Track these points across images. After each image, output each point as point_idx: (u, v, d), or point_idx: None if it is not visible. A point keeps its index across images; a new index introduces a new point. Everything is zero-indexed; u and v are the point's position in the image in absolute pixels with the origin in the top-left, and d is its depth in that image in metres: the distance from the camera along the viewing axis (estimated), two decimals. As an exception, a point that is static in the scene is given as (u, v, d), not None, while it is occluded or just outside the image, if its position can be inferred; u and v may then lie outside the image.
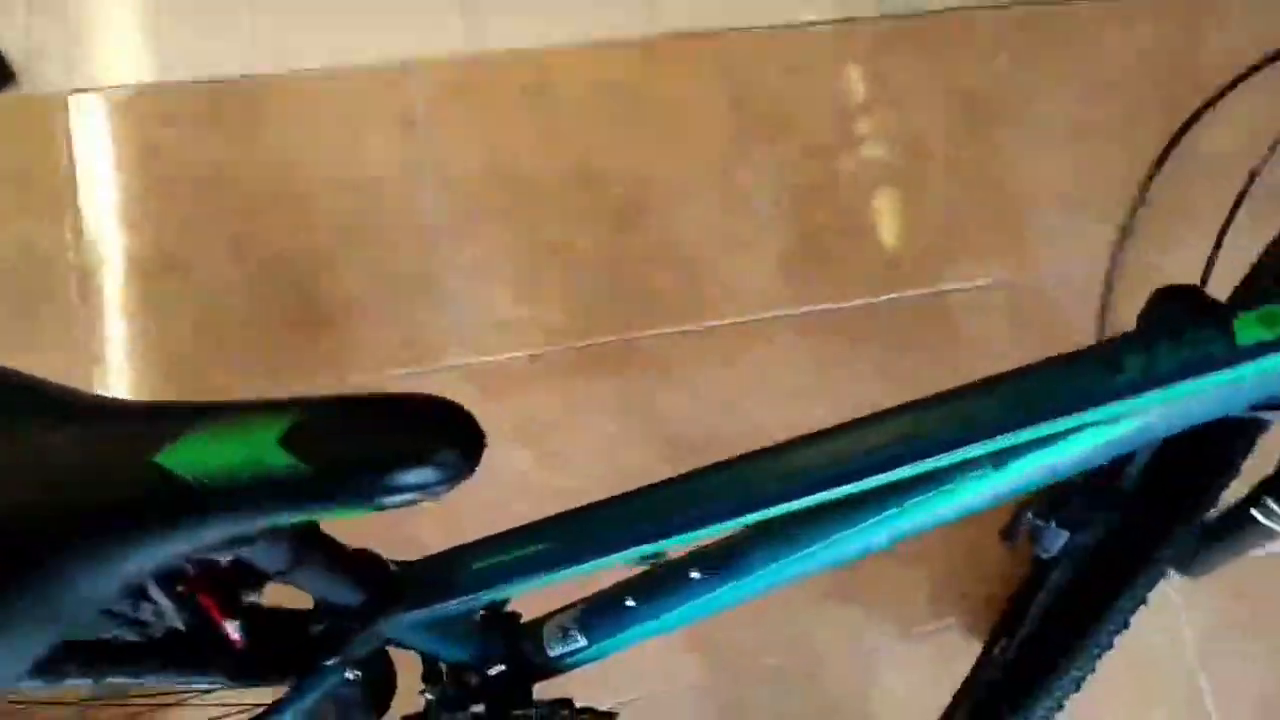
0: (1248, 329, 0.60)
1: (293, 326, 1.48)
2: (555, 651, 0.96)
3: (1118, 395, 0.62)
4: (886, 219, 1.69)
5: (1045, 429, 0.65)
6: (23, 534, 0.52)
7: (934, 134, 1.73)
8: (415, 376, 1.48)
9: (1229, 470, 0.92)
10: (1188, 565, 1.02)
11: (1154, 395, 0.62)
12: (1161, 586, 1.08)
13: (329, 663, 0.75)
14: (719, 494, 0.72)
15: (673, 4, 1.75)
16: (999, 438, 0.65)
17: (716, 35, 1.73)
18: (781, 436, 0.71)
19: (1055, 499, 1.03)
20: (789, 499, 0.70)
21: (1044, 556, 1.06)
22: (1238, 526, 0.89)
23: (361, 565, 0.76)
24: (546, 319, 1.54)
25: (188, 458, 0.53)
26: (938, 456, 0.66)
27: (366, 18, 1.64)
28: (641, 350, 1.56)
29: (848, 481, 0.67)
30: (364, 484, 0.56)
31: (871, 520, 0.77)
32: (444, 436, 0.58)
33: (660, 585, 0.90)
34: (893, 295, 1.63)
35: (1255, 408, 0.68)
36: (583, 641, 0.95)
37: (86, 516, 0.52)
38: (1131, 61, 1.79)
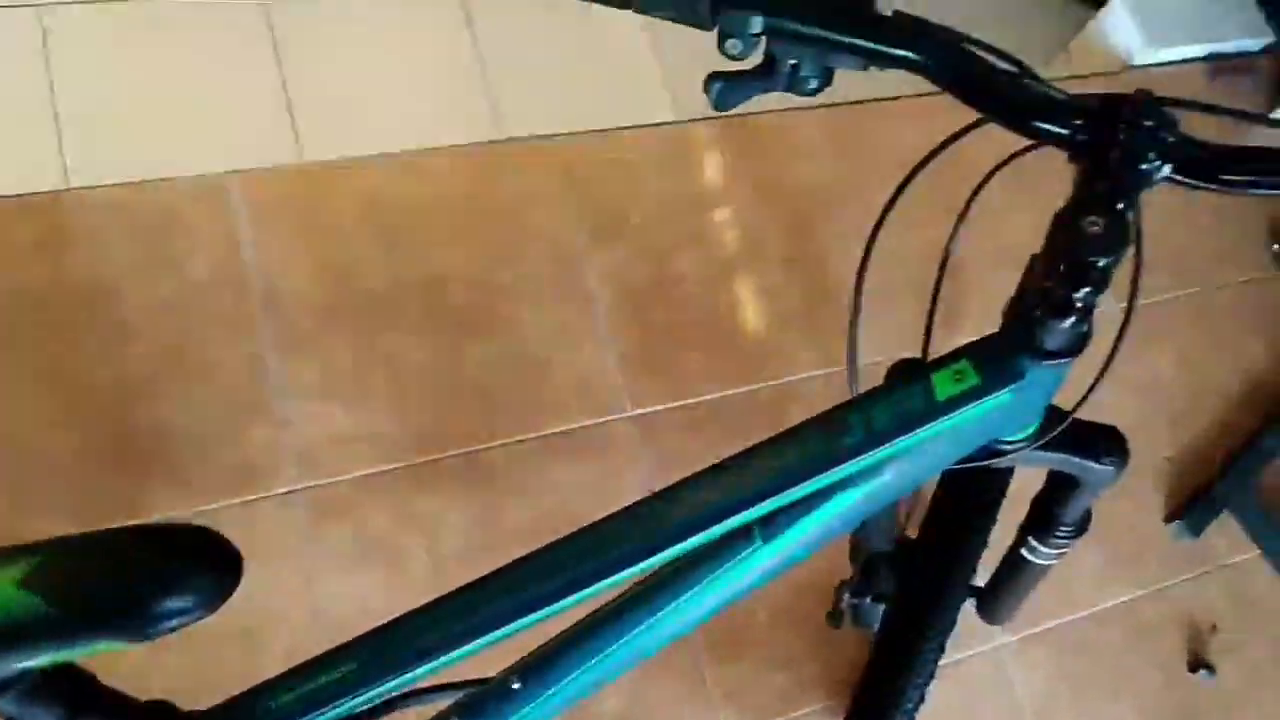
0: (943, 385, 0.63)
1: (111, 463, 1.40)
2: None
3: (848, 456, 0.65)
4: (726, 315, 1.70)
5: (790, 496, 0.67)
6: None
7: (769, 230, 1.76)
8: (245, 506, 1.41)
9: (986, 519, 0.95)
10: (990, 613, 1.05)
11: (880, 452, 0.65)
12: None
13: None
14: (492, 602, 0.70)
15: (516, 110, 1.77)
16: (746, 512, 0.67)
17: (558, 140, 1.75)
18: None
19: (866, 572, 1.04)
20: (554, 600, 0.68)
21: (871, 632, 1.06)
22: (1014, 569, 0.93)
23: (148, 715, 0.70)
24: (384, 434, 1.50)
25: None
26: (688, 540, 0.67)
27: (185, 129, 1.61)
28: (483, 461, 1.52)
29: (599, 580, 0.66)
30: (110, 617, 0.57)
31: (666, 609, 0.76)
32: (194, 563, 0.59)
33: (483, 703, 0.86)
34: (734, 390, 1.63)
35: (981, 454, 0.71)
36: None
37: None
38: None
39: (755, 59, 0.62)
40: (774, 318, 1.70)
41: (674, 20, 0.61)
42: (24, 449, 1.38)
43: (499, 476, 1.51)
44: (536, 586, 0.70)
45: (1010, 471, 0.96)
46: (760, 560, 0.72)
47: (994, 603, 1.06)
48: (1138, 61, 2.22)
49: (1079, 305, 0.54)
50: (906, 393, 0.65)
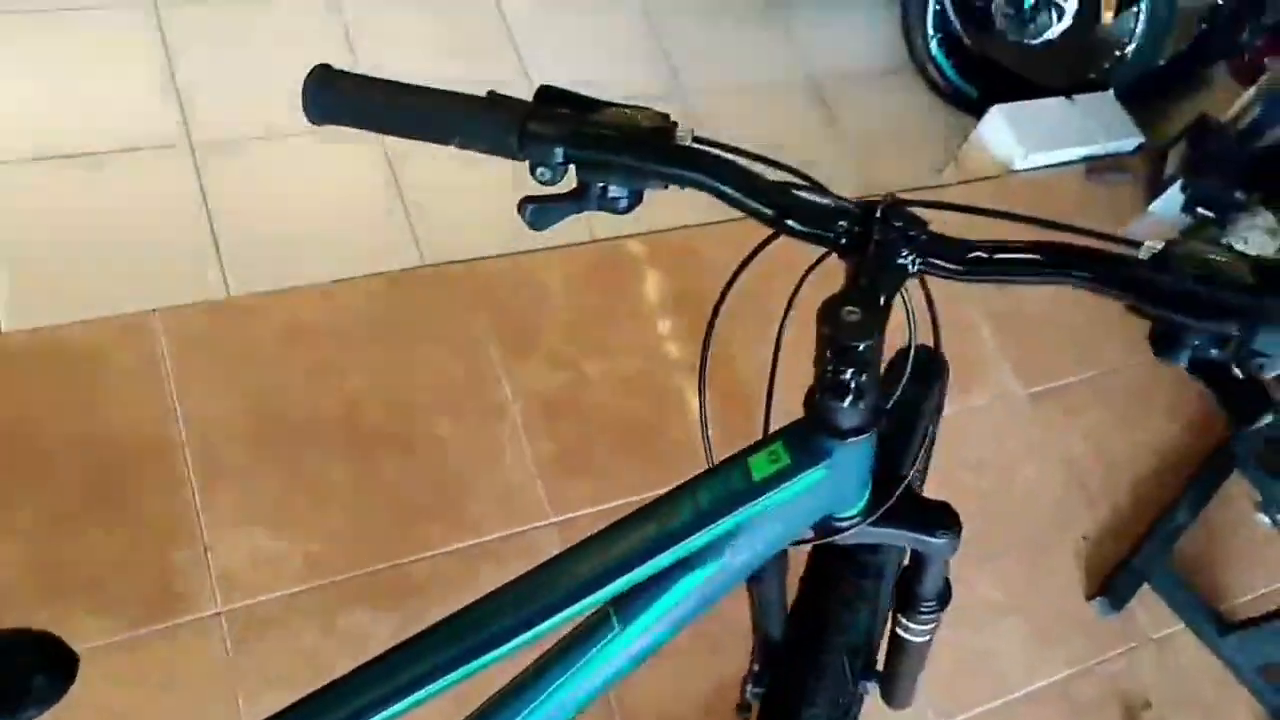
0: (759, 467, 0.68)
1: (33, 597, 1.42)
2: None
3: (681, 536, 0.69)
4: (640, 419, 1.76)
5: (634, 577, 0.71)
6: None
7: (677, 339, 1.85)
8: (168, 630, 1.42)
9: (858, 598, 0.99)
10: (890, 696, 1.08)
11: (709, 532, 0.69)
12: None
13: None
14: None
15: (430, 238, 1.86)
16: (597, 593, 0.70)
17: (472, 263, 1.83)
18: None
19: (761, 661, 1.07)
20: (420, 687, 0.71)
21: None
22: (896, 649, 0.96)
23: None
24: (309, 553, 1.52)
25: None
26: (549, 620, 0.70)
27: (106, 269, 1.68)
28: (409, 574, 1.54)
29: (464, 664, 0.69)
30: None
31: (538, 702, 0.78)
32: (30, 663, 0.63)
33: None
34: (652, 491, 1.66)
35: (821, 531, 0.76)
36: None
37: None
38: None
39: (569, 184, 0.69)
40: (685, 418, 1.76)
41: (489, 153, 0.68)
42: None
43: (425, 588, 1.53)
44: (404, 673, 0.72)
45: (879, 550, 1.00)
46: (621, 645, 0.75)
47: (891, 685, 1.08)
48: (1018, 166, 2.35)
49: (851, 386, 0.60)
50: (727, 475, 0.70)
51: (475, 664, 0.72)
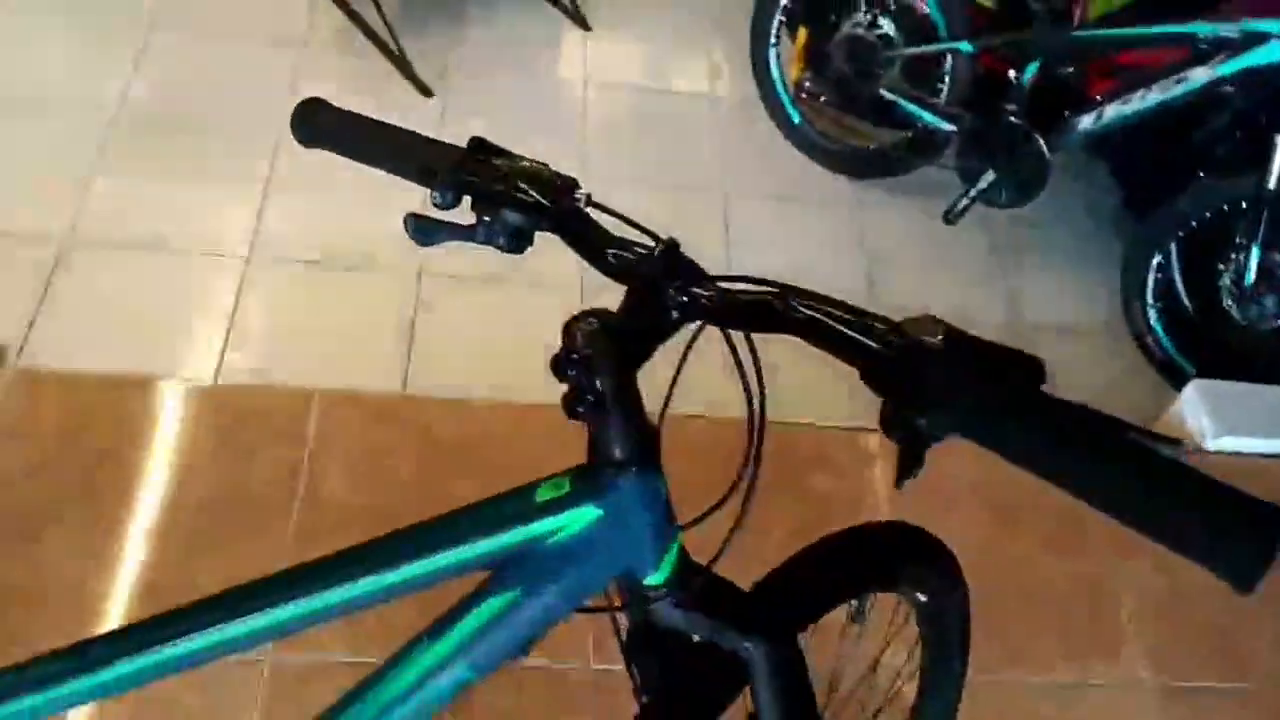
0: (544, 492, 0.73)
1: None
2: None
3: (460, 540, 0.74)
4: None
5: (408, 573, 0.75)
6: None
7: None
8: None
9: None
10: None
11: (492, 543, 0.74)
12: None
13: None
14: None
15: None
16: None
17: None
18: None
19: None
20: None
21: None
22: None
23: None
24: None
25: None
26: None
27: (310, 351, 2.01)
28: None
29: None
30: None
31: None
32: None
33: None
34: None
35: (630, 600, 0.76)
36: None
37: None
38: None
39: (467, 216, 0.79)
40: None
41: (412, 179, 0.80)
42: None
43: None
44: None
45: (736, 664, 0.92)
46: (429, 661, 0.78)
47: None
48: (1209, 447, 2.17)
49: (590, 400, 0.65)
50: (515, 495, 0.74)
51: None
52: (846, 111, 2.78)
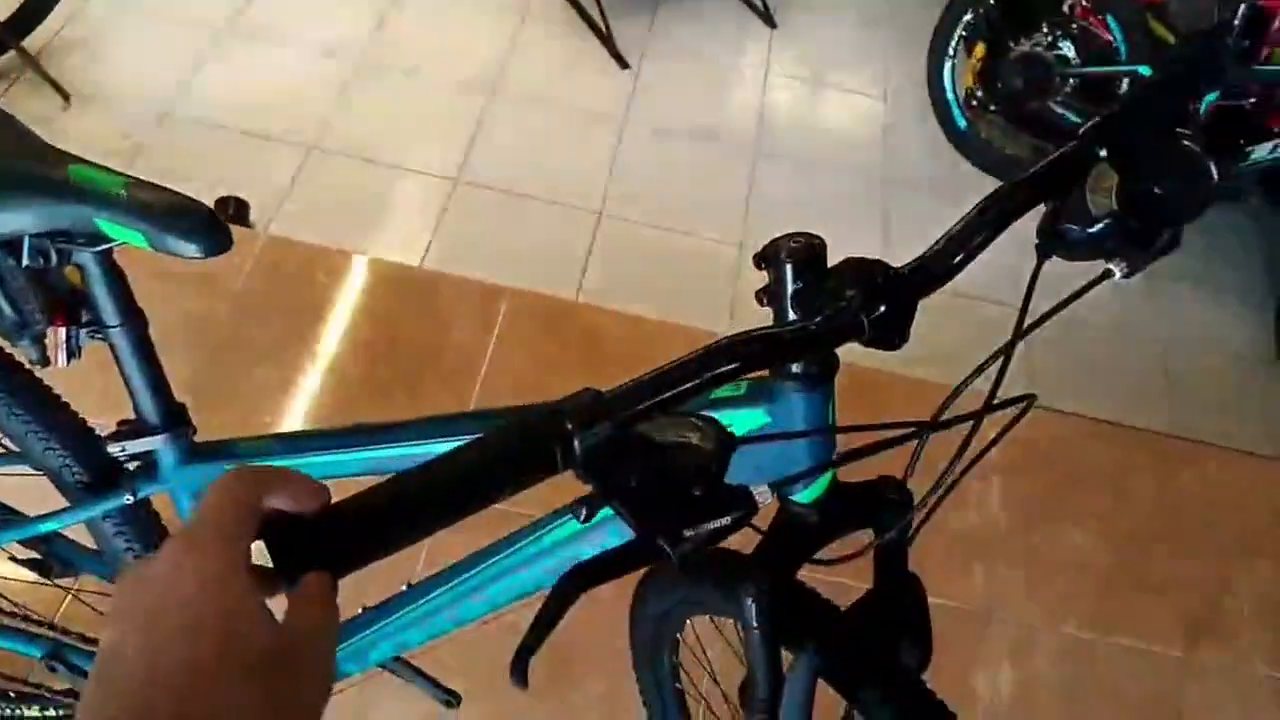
0: (721, 391, 0.76)
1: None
2: None
3: None
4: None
5: None
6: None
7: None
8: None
9: None
10: None
11: None
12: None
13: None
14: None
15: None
16: None
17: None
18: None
19: None
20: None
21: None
22: None
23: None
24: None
25: (82, 173, 0.82)
26: None
27: (504, 253, 2.12)
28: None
29: None
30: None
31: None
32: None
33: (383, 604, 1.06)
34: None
35: None
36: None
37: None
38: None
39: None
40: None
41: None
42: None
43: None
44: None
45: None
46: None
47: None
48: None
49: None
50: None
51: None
52: (1011, 129, 2.77)
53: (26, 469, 1.04)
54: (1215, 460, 2.21)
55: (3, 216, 0.81)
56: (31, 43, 2.40)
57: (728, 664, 1.27)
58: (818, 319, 0.67)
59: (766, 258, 0.72)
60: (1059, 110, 2.62)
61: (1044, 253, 0.79)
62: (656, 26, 2.97)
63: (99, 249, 0.85)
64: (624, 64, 2.82)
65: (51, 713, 1.36)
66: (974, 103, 2.75)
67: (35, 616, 1.23)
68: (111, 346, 0.91)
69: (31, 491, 1.05)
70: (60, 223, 0.81)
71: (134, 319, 0.91)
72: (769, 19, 3.06)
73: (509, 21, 2.86)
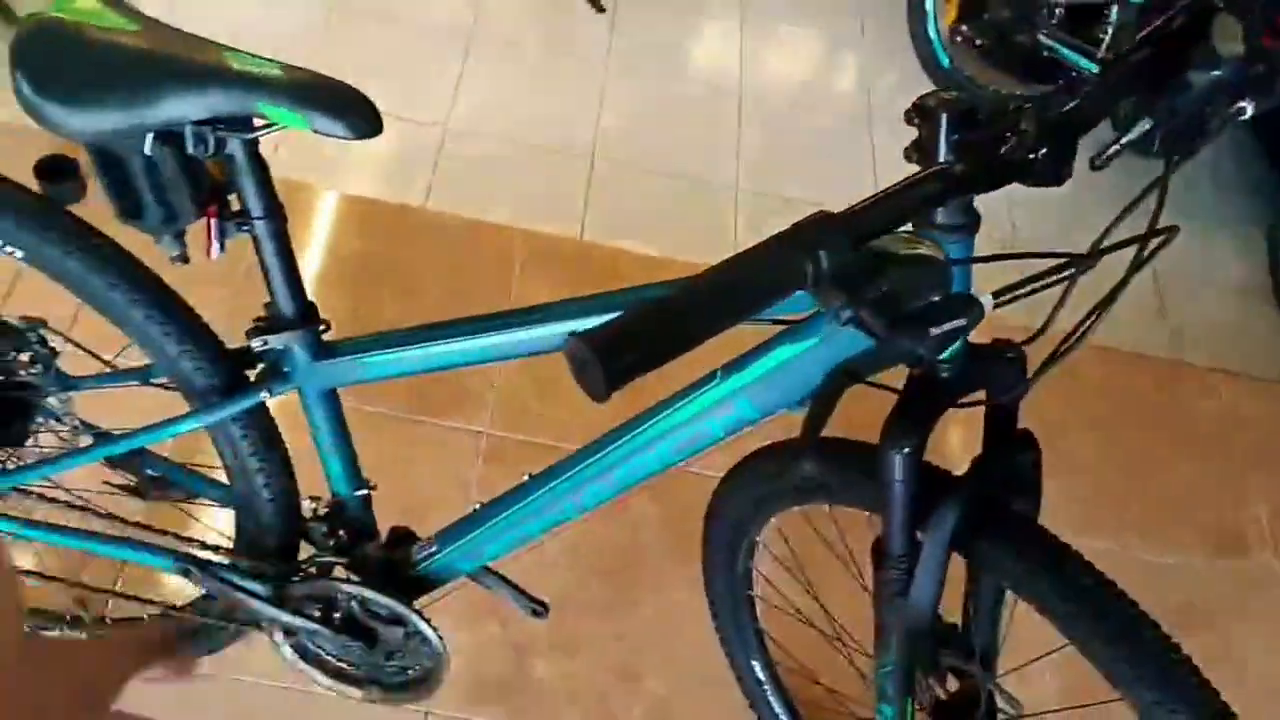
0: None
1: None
2: (416, 557, 1.17)
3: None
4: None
5: None
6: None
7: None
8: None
9: None
10: None
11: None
12: None
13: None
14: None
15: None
16: None
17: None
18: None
19: None
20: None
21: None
22: None
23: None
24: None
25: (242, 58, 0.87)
26: None
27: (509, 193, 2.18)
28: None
29: None
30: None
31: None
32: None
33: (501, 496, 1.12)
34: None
35: None
36: (434, 548, 1.16)
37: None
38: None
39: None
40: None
41: None
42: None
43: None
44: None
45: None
46: (716, 396, 0.93)
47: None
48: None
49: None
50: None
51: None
52: (995, 65, 2.87)
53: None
54: (1220, 383, 2.37)
55: (167, 104, 0.84)
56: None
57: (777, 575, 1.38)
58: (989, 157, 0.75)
59: (922, 112, 0.79)
60: (1047, 43, 2.73)
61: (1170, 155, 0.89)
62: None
63: (250, 136, 0.89)
64: (599, 7, 2.85)
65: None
66: (958, 38, 2.85)
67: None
68: (254, 239, 0.95)
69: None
70: (222, 108, 0.85)
71: (277, 212, 0.94)
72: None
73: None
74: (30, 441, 1.21)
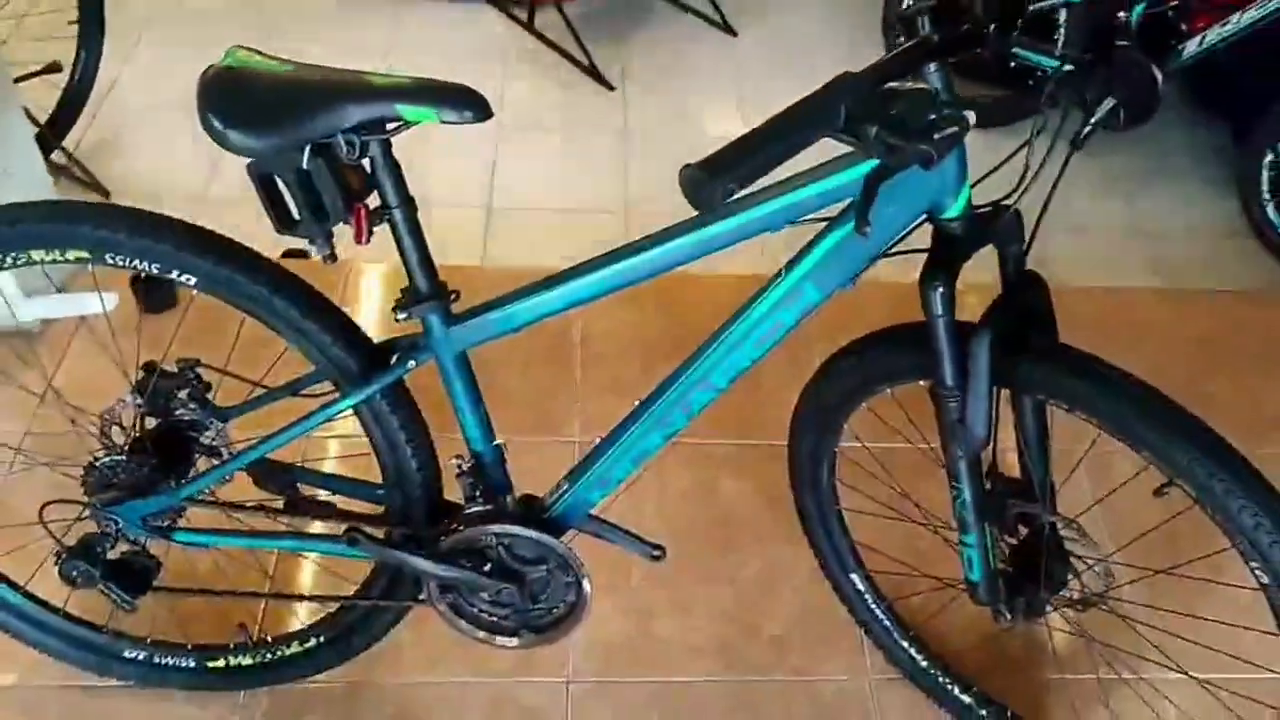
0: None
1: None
2: (550, 499, 1.39)
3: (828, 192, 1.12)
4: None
5: None
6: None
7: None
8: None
9: None
10: None
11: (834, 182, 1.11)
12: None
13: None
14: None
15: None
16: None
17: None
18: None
19: None
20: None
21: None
22: None
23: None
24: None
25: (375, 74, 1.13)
26: None
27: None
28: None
29: None
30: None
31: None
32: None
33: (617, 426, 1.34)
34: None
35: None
36: (566, 485, 1.38)
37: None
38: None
39: None
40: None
41: None
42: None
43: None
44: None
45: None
46: (784, 289, 1.18)
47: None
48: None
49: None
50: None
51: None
52: (969, 77, 3.19)
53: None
54: (1212, 301, 2.61)
55: (322, 119, 1.10)
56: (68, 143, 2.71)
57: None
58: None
59: (905, 19, 1.07)
60: (1016, 51, 3.04)
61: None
62: (631, 48, 3.39)
63: (385, 136, 1.14)
64: (609, 86, 3.21)
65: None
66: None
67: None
68: (393, 226, 1.19)
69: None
70: (365, 115, 1.10)
71: (409, 201, 1.19)
72: (729, 29, 3.49)
73: (495, 67, 3.27)
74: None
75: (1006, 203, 1.16)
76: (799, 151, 0.88)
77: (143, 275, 1.38)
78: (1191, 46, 2.84)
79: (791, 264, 1.19)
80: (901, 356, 1.32)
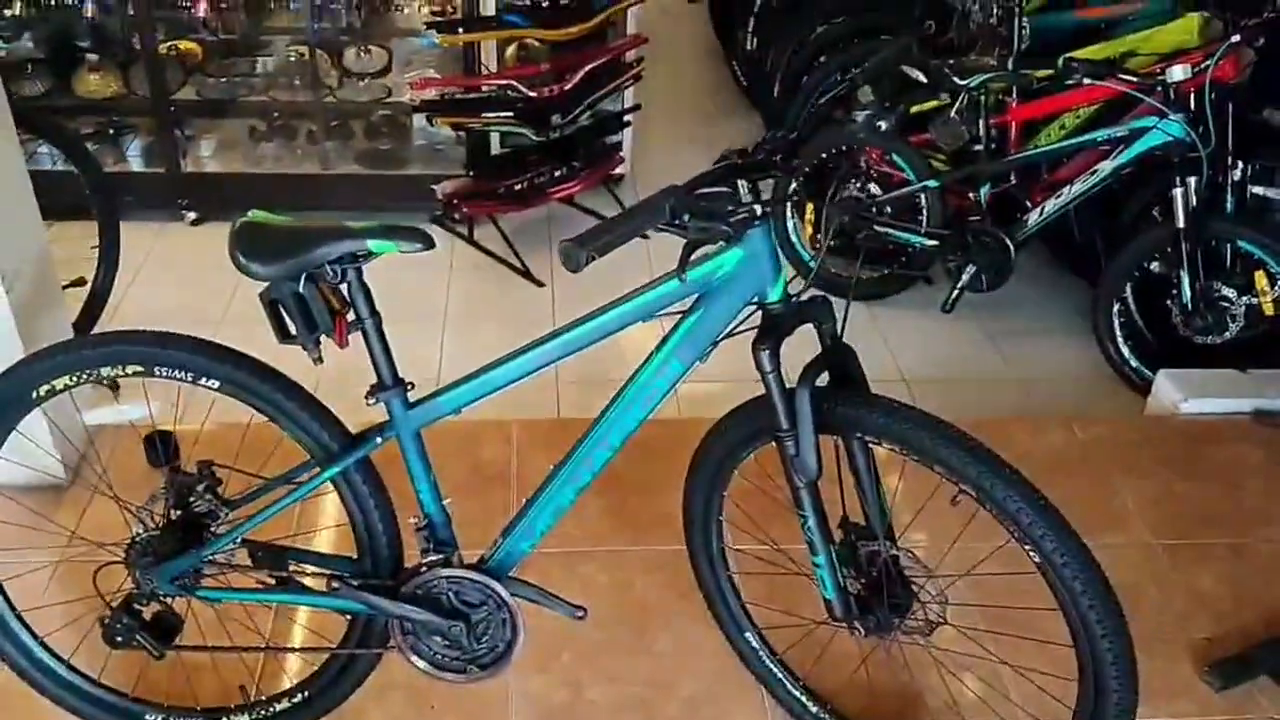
0: (712, 252, 1.66)
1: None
2: (488, 552, 1.85)
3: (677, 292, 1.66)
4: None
5: None
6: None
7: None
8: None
9: None
10: None
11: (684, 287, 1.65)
12: None
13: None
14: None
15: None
16: None
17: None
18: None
19: None
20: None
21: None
22: None
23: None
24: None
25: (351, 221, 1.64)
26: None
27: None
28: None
29: None
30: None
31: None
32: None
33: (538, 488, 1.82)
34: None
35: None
36: (500, 540, 1.84)
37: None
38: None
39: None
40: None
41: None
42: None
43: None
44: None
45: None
46: (659, 359, 1.72)
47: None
48: (1183, 410, 3.11)
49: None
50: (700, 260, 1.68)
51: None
52: (848, 256, 3.89)
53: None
54: (1069, 425, 3.13)
55: (316, 252, 1.62)
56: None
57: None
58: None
59: (724, 156, 1.65)
60: (883, 233, 3.74)
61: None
62: (556, 250, 4.06)
63: (359, 265, 1.67)
64: (539, 283, 3.86)
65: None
66: (816, 245, 3.85)
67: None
68: (364, 334, 1.70)
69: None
70: (345, 249, 1.64)
71: (376, 314, 1.71)
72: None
73: (442, 273, 3.92)
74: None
75: (813, 292, 1.71)
76: (638, 235, 1.44)
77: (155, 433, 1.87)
78: (1034, 217, 3.54)
79: (661, 344, 1.72)
80: (753, 421, 1.81)
